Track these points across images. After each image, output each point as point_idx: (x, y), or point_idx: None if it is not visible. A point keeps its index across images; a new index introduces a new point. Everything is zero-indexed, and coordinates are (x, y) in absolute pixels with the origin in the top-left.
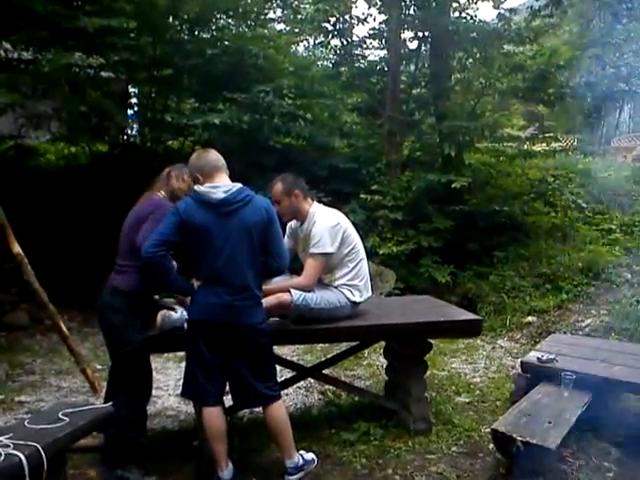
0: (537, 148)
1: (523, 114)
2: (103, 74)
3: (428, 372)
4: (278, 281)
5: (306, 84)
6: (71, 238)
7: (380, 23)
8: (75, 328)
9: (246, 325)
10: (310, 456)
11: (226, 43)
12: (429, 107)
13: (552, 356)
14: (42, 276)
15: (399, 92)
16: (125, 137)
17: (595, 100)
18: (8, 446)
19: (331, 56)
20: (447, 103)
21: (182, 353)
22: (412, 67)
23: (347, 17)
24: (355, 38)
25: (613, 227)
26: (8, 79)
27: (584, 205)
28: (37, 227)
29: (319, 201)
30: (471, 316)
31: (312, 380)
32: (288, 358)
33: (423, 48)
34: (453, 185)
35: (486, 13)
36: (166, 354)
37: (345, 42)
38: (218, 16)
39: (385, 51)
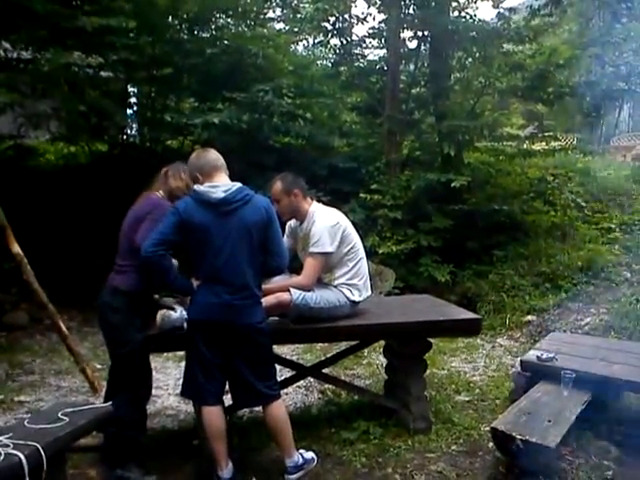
0: (536, 147)
1: (522, 113)
2: (102, 73)
3: (428, 371)
4: (278, 280)
5: (305, 83)
6: (71, 238)
7: (379, 22)
8: (75, 328)
9: (246, 324)
10: (310, 455)
11: (225, 42)
12: (428, 106)
13: (552, 355)
14: (41, 276)
15: (398, 91)
16: (124, 137)
17: (594, 99)
18: (8, 446)
19: (330, 55)
20: (447, 102)
21: (182, 352)
22: (411, 66)
23: (346, 16)
24: (354, 37)
25: (612, 226)
26: (7, 79)
27: (583, 204)
28: (36, 227)
29: (318, 200)
30: (471, 315)
31: (312, 379)
32: (288, 357)
33: (422, 47)
34: (452, 184)
35: (485, 12)
36: (166, 353)
37: (344, 41)
38: (217, 15)
39: (384, 50)
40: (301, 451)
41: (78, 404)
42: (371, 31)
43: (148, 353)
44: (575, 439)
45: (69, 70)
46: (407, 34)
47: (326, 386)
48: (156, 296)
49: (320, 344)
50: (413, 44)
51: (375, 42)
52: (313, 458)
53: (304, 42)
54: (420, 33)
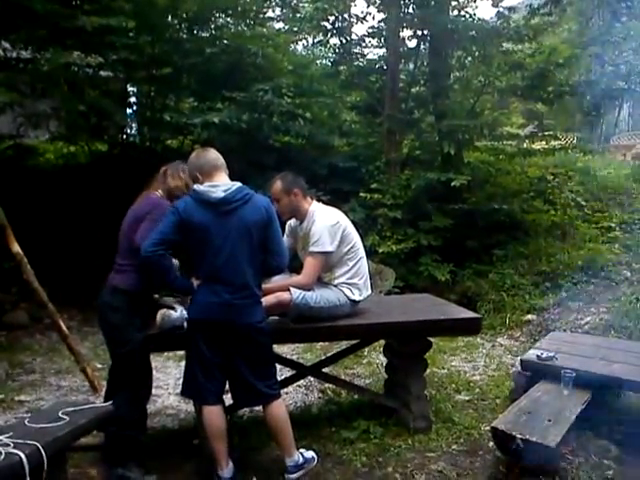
0: (536, 146)
1: (522, 112)
2: (102, 73)
3: (428, 370)
4: (278, 280)
5: (305, 83)
6: (70, 237)
7: (379, 22)
8: (75, 327)
9: (246, 324)
10: (310, 454)
11: (225, 42)
12: (428, 105)
13: (552, 354)
14: (42, 275)
15: (398, 91)
16: (124, 136)
17: (594, 98)
18: (8, 445)
19: (330, 55)
20: (446, 101)
21: (182, 352)
22: (411, 65)
23: (346, 16)
24: (354, 37)
25: (612, 225)
26: (7, 78)
27: (583, 203)
28: (36, 226)
29: (318, 200)
30: (471, 314)
31: (312, 379)
32: (288, 357)
33: (422, 46)
34: (452, 183)
35: (485, 11)
36: (166, 353)
37: (344, 41)
38: (217, 15)
39: (384, 50)
40: (301, 450)
41: (78, 403)
42: (370, 30)
43: (148, 352)
44: (575, 438)
45: (69, 70)
46: (407, 33)
47: (326, 385)
48: (156, 295)
49: (320, 343)
50: (413, 43)
51: (375, 41)
52: (313, 457)
53: (304, 41)
54: (420, 32)
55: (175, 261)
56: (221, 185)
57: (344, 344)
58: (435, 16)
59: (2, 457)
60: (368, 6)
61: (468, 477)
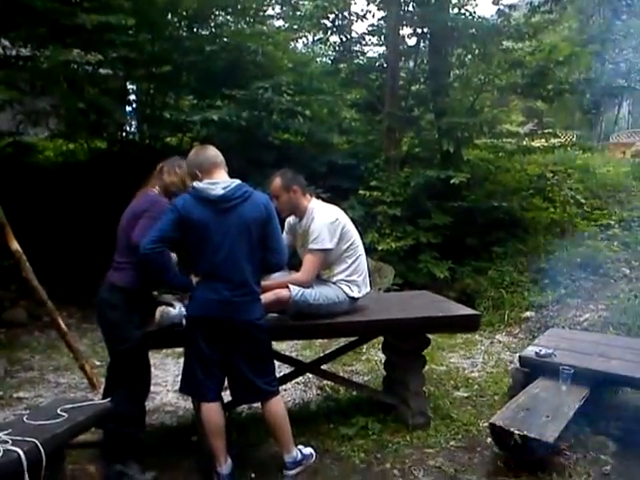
0: (536, 144)
1: (522, 110)
2: (101, 71)
3: (426, 367)
4: (277, 277)
5: (305, 80)
6: (70, 235)
7: (379, 19)
8: (74, 324)
9: (244, 321)
10: (308, 451)
11: (225, 40)
12: (428, 103)
13: (550, 351)
14: (40, 273)
15: (398, 88)
16: (124, 134)
17: (594, 96)
18: (7, 442)
19: (330, 52)
20: (446, 99)
21: (181, 349)
22: (411, 63)
23: (346, 14)
24: (354, 35)
25: (612, 222)
26: (6, 76)
27: (583, 201)
28: (35, 224)
29: (318, 197)
30: (469, 311)
31: (311, 375)
32: (287, 354)
33: (422, 44)
34: (452, 181)
35: (485, 9)
36: (165, 350)
37: (344, 38)
38: (217, 13)
39: (384, 47)
40: (300, 447)
41: (77, 400)
42: (370, 28)
43: (147, 350)
44: (573, 434)
45: (68, 67)
46: (406, 31)
47: (325, 382)
48: (155, 293)
49: (319, 340)
50: (412, 41)
51: (374, 39)
52: (312, 454)
53: (303, 39)
54: (419, 30)
55: (173, 255)
56: (220, 182)
57: (343, 341)
58: (435, 14)
59: (1, 454)
60: (368, 4)
61: (466, 473)
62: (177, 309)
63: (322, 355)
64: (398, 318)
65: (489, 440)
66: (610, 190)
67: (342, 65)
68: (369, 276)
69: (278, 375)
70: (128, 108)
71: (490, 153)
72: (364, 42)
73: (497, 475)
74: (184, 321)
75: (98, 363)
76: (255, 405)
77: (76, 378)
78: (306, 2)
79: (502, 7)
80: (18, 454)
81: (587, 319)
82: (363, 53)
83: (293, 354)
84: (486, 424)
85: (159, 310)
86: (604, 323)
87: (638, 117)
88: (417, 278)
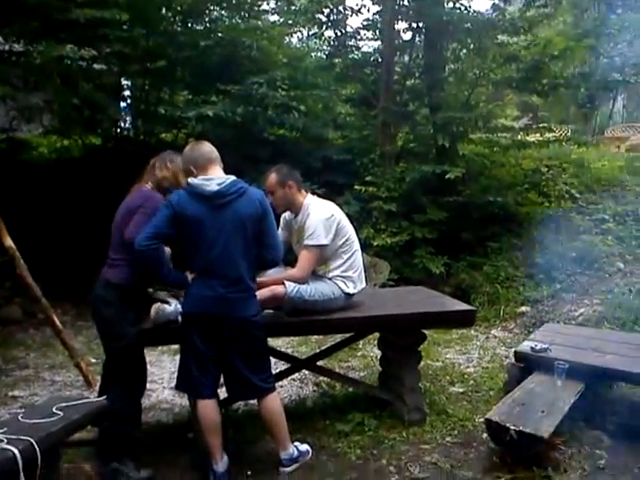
0: (531, 138)
1: (517, 104)
2: (95, 66)
3: (422, 363)
4: (272, 273)
5: (300, 75)
6: (64, 231)
7: (374, 14)
8: (69, 322)
9: (240, 317)
10: (305, 447)
11: (219, 35)
12: (423, 98)
13: (545, 346)
14: (35, 270)
15: (393, 83)
16: (118, 130)
17: (589, 90)
18: (2, 441)
19: (325, 47)
20: (441, 94)
21: (176, 346)
22: (406, 58)
23: (341, 8)
24: (349, 29)
25: (606, 217)
26: None
27: (577, 195)
28: (29, 221)
29: (313, 193)
30: (465, 306)
31: (306, 372)
32: (282, 350)
33: (417, 39)
34: (447, 176)
35: (480, 3)
36: (160, 347)
37: (339, 33)
38: (211, 8)
39: (379, 42)
40: (296, 443)
41: (72, 398)
42: (365, 23)
43: (142, 347)
44: (568, 429)
45: (62, 63)
46: (402, 25)
47: (321, 378)
48: (150, 289)
49: (315, 337)
50: (408, 35)
51: (369, 34)
52: (308, 450)
53: (298, 34)
54: (415, 24)
55: (167, 249)
56: (215, 178)
57: (339, 337)
58: (430, 8)
59: None
60: None
61: (462, 469)
62: (172, 306)
63: (318, 351)
64: (394, 314)
65: (485, 435)
66: (605, 184)
67: (337, 60)
68: (364, 272)
69: (274, 372)
70: (122, 104)
71: (485, 148)
72: (359, 37)
73: (493, 470)
74: (179, 318)
75: (93, 360)
76: (251, 402)
77: (71, 376)
78: None
79: (497, 1)
80: (13, 453)
81: (582, 314)
82: (358, 48)
83: (289, 350)
84: (482, 419)
85: (154, 307)
86: (599, 318)
87: (633, 111)
88: (412, 273)
